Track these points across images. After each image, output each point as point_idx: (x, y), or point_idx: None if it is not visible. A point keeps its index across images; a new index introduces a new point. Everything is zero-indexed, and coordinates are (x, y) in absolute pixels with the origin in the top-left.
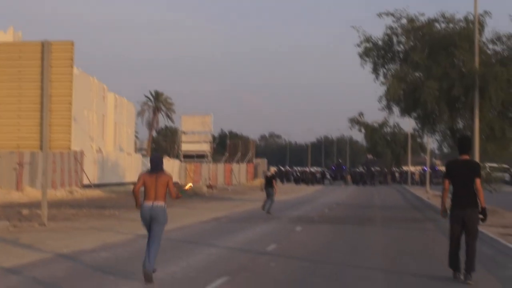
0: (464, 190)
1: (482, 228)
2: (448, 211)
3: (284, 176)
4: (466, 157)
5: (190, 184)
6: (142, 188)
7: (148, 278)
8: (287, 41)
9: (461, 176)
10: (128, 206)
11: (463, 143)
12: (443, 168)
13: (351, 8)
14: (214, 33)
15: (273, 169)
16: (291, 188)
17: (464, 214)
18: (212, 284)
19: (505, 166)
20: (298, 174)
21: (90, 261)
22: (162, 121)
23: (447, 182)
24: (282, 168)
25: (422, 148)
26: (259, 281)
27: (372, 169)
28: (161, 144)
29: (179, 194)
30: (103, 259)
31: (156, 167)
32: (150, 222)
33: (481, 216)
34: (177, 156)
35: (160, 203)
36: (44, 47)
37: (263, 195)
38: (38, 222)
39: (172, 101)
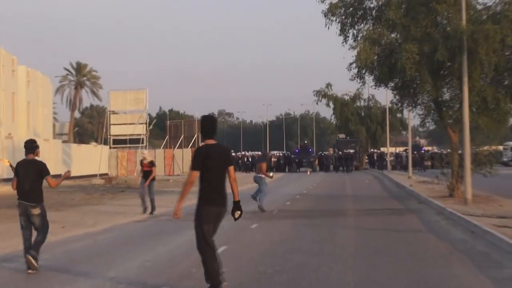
0: (220, 182)
1: (475, 219)
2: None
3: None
4: (213, 141)
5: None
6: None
7: (261, 209)
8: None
9: (216, 165)
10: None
11: (208, 126)
12: (430, 149)
13: None
14: None
15: (146, 153)
16: (243, 178)
17: (221, 211)
18: None
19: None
20: (250, 160)
21: None
22: (87, 99)
23: (195, 174)
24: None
25: (402, 124)
26: None
27: (345, 151)
28: (86, 127)
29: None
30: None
31: (260, 158)
32: (258, 182)
33: (238, 212)
34: (105, 141)
35: (261, 175)
36: None
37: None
38: None
39: (98, 74)
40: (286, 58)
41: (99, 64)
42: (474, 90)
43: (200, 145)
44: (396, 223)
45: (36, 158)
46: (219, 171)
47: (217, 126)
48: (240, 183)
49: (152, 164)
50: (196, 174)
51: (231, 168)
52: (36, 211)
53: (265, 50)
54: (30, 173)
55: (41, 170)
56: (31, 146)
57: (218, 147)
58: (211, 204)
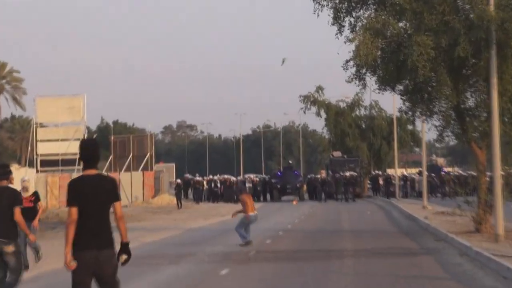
0: (100, 221)
1: (508, 261)
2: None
3: (195, 190)
4: (94, 171)
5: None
6: None
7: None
8: None
9: (94, 200)
10: None
11: (87, 153)
12: (451, 170)
13: None
14: None
15: (28, 181)
16: (210, 209)
17: (100, 256)
18: None
19: None
20: (219, 185)
21: None
22: (6, 108)
23: (74, 210)
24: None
25: (414, 139)
26: None
27: (342, 173)
28: (6, 144)
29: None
30: None
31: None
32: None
33: (124, 256)
34: (30, 163)
35: (256, 213)
36: None
37: (169, 220)
38: None
39: (21, 76)
40: (265, 55)
41: (21, 64)
42: (506, 94)
43: (76, 176)
44: (407, 267)
45: (10, 185)
46: (98, 208)
47: (99, 153)
48: (206, 216)
49: (36, 198)
50: (76, 210)
51: (117, 204)
52: (10, 248)
53: (238, 45)
54: (2, 203)
55: (14, 199)
56: (3, 171)
57: (97, 179)
58: (84, 249)
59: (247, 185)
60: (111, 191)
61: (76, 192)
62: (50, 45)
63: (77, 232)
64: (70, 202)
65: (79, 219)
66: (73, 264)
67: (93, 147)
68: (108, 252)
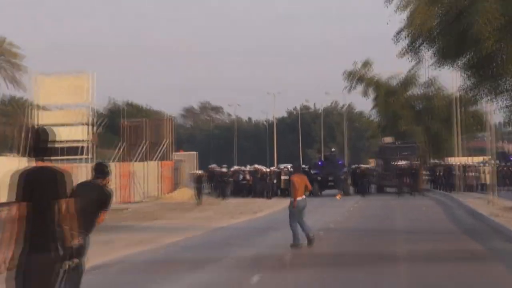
0: (46, 221)
1: None
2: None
3: (218, 183)
4: (42, 163)
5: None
6: None
7: (311, 241)
8: None
9: (40, 197)
10: None
11: (36, 143)
12: None
13: None
14: None
15: None
16: (238, 205)
17: (46, 262)
18: None
19: None
20: (248, 178)
21: None
22: (4, 87)
23: (17, 207)
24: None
25: (479, 122)
26: None
27: (394, 164)
28: (1, 130)
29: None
30: None
31: (298, 168)
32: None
33: (68, 263)
34: (30, 151)
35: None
36: None
37: (190, 219)
38: None
39: (20, 51)
40: (302, 26)
41: (22, 39)
42: None
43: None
44: (471, 273)
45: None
46: (45, 205)
47: (49, 145)
48: (233, 214)
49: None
50: (19, 207)
51: (63, 201)
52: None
53: (271, 15)
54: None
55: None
56: (102, 170)
57: (45, 172)
58: (32, 252)
59: (283, 177)
60: (59, 185)
61: (19, 187)
62: (53, 19)
63: (25, 233)
64: (14, 198)
65: (27, 218)
66: (4, 267)
67: (42, 137)
68: (55, 257)
